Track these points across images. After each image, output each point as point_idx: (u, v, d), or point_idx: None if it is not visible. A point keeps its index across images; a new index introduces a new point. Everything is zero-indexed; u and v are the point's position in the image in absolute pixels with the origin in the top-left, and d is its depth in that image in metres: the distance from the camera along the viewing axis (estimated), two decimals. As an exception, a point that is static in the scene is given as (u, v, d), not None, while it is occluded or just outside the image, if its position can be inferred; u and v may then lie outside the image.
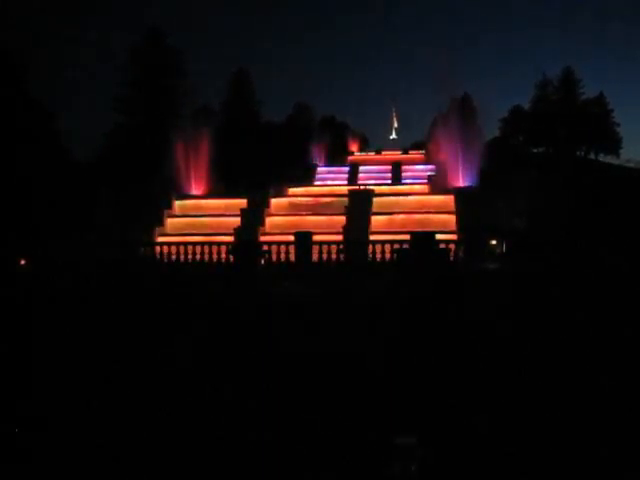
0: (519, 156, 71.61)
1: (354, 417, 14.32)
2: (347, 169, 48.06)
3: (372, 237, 26.88)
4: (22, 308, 21.57)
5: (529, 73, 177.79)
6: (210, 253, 25.32)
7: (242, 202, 32.80)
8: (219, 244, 25.52)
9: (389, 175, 44.17)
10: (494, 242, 24.54)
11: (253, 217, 31.25)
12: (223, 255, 25.12)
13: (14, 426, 14.75)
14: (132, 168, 52.84)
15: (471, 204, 28.82)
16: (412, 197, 32.59)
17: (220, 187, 37.33)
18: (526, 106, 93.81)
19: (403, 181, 42.06)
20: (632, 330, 17.21)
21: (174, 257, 25.71)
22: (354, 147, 70.72)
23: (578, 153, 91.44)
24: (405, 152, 58.93)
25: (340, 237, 27.21)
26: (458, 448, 12.63)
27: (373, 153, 61.75)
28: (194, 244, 25.77)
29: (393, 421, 14.00)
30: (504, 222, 27.10)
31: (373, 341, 17.77)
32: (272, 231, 30.58)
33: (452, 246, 23.51)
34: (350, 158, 58.17)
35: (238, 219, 31.18)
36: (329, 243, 24.57)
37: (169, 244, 26.63)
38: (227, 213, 32.49)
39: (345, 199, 31.65)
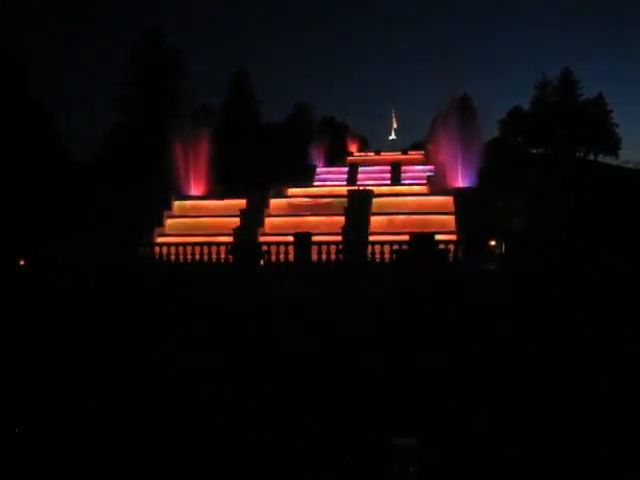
0: (518, 156, 71.68)
1: (354, 417, 14.34)
2: (346, 170, 48.00)
3: (371, 238, 26.85)
4: (22, 308, 21.57)
5: (529, 73, 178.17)
6: (210, 253, 25.30)
7: (241, 202, 32.79)
8: (218, 244, 25.50)
9: (388, 176, 44.13)
10: (493, 242, 24.53)
11: (252, 217, 31.24)
12: (222, 255, 25.12)
13: (14, 426, 14.76)
14: (132, 168, 52.85)
15: (470, 205, 28.81)
16: (411, 197, 32.54)
17: (220, 187, 37.30)
18: (525, 107, 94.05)
19: (402, 182, 41.99)
20: (632, 330, 17.22)
21: (174, 257, 25.70)
22: (353, 148, 70.73)
23: (577, 154, 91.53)
24: (404, 152, 58.91)
25: (339, 238, 27.19)
26: (458, 448, 12.64)
27: (372, 154, 61.68)
28: (194, 244, 25.76)
29: (393, 421, 14.01)
30: (503, 223, 27.10)
31: (373, 341, 17.78)
32: (271, 231, 30.56)
33: (451, 247, 23.49)
34: (349, 159, 58.15)
35: (237, 219, 31.18)
36: (328, 243, 24.54)
37: (169, 244, 26.62)
38: (226, 213, 32.46)
39: (344, 200, 31.64)
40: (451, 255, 23.13)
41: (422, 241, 22.68)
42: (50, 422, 14.74)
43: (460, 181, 33.34)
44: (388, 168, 45.32)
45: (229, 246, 25.42)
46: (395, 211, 30.48)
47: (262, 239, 28.67)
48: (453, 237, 26.00)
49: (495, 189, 30.95)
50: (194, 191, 36.88)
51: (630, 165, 74.58)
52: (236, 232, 29.57)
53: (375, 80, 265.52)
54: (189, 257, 25.54)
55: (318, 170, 49.76)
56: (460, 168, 33.69)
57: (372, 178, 43.51)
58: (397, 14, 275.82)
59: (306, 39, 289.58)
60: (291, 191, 36.90)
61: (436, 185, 34.65)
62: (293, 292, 21.22)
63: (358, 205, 30.66)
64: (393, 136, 74.66)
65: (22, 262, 25.24)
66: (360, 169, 46.66)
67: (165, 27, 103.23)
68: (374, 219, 30.12)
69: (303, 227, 27.52)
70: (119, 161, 57.57)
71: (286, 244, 24.86)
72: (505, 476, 11.96)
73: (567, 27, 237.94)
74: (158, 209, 33.25)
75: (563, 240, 24.11)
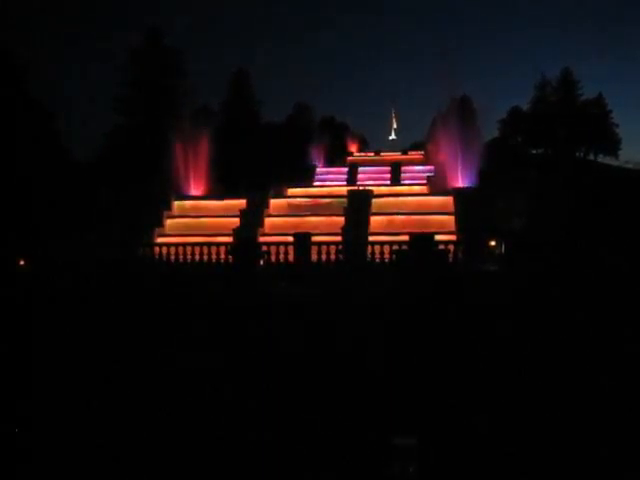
0: (518, 156, 71.73)
1: (354, 417, 14.34)
2: (346, 170, 47.97)
3: (371, 238, 26.84)
4: (22, 308, 21.57)
5: (529, 73, 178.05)
6: (209, 254, 25.31)
7: (241, 203, 32.79)
8: (218, 245, 25.52)
9: (388, 176, 44.11)
10: (493, 243, 24.53)
11: (252, 218, 31.23)
12: (222, 256, 25.12)
13: (14, 426, 14.76)
14: (132, 168, 52.86)
15: (470, 205, 28.80)
16: (411, 198, 32.53)
17: (219, 188, 37.28)
18: (525, 107, 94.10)
19: (402, 182, 41.96)
20: (632, 330, 17.23)
21: (174, 257, 25.70)
22: (353, 148, 70.78)
23: (577, 154, 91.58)
24: (404, 153, 58.94)
25: (339, 238, 27.19)
26: (458, 448, 12.65)
27: (372, 154, 61.69)
28: (193, 245, 25.77)
29: (393, 421, 14.02)
30: (503, 223, 27.10)
31: (373, 341, 17.78)
32: (271, 232, 30.55)
33: (451, 247, 23.50)
34: (349, 159, 58.16)
35: (237, 220, 31.17)
36: (328, 244, 24.54)
37: (169, 245, 26.62)
38: (226, 214, 32.46)
39: (344, 200, 31.63)
40: (451, 255, 23.14)
41: (422, 241, 22.67)
42: (50, 422, 14.74)
43: (460, 181, 33.34)
44: (388, 168, 45.30)
45: (229, 246, 25.43)
46: (395, 211, 30.47)
47: (262, 239, 28.65)
48: (453, 237, 26.01)
49: (495, 189, 30.95)
50: (194, 191, 36.86)
51: (630, 165, 74.68)
52: (236, 232, 29.56)
53: (375, 80, 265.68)
54: (189, 257, 25.54)
55: (318, 170, 49.75)
56: (460, 168, 33.68)
57: (372, 178, 43.50)
58: (397, 14, 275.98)
59: (306, 39, 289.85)
60: (291, 191, 36.88)
61: (436, 185, 34.64)
62: (293, 292, 21.22)
63: (358, 205, 30.65)
64: (393, 136, 74.80)
65: (22, 262, 25.25)
66: (360, 169, 46.63)
67: (165, 27, 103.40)
68: (374, 219, 30.11)
69: (303, 227, 27.52)
70: (119, 161, 57.58)
71: (286, 244, 24.86)
72: (505, 476, 11.97)
73: (567, 27, 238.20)
74: (158, 209, 33.23)
75: (563, 240, 24.12)
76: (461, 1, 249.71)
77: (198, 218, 32.90)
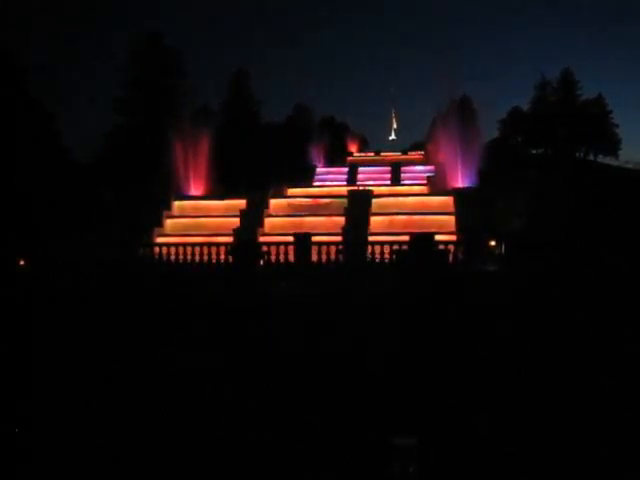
0: (518, 157, 71.70)
1: (354, 417, 14.33)
2: (346, 170, 48.02)
3: (371, 238, 26.84)
4: (22, 308, 21.57)
5: (529, 73, 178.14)
6: (209, 254, 25.31)
7: (241, 203, 32.79)
8: (218, 245, 25.52)
9: (388, 176, 44.13)
10: (493, 243, 24.54)
11: (252, 218, 31.23)
12: (222, 256, 25.12)
13: (14, 426, 14.75)
14: (132, 168, 52.86)
15: (470, 205, 28.81)
16: (411, 198, 32.54)
17: (219, 188, 37.28)
18: (525, 107, 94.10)
19: (402, 182, 42.00)
20: (632, 330, 17.23)
21: (174, 257, 25.70)
22: (353, 148, 70.84)
23: (577, 154, 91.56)
24: (404, 153, 58.99)
25: (339, 238, 27.20)
26: (458, 448, 12.64)
27: (372, 154, 61.77)
28: (193, 245, 25.77)
29: (393, 421, 14.01)
30: (503, 223, 27.10)
31: (373, 341, 17.78)
32: (271, 232, 30.55)
33: (451, 247, 23.51)
34: (349, 159, 58.22)
35: (237, 220, 31.17)
36: (328, 244, 24.55)
37: (169, 245, 26.62)
38: (226, 214, 32.47)
39: (344, 200, 31.65)
40: (451, 255, 23.15)
41: (422, 241, 22.69)
42: (50, 422, 14.73)
43: (460, 181, 33.36)
44: (388, 168, 45.33)
45: (229, 246, 25.44)
46: (395, 211, 30.48)
47: (262, 239, 28.67)
48: (453, 237, 26.02)
49: (495, 189, 30.95)
50: (194, 191, 36.87)
51: (630, 166, 74.59)
52: (236, 232, 29.57)
53: (375, 80, 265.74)
54: (189, 257, 25.54)
55: (318, 170, 49.78)
56: (460, 168, 33.71)
57: (372, 178, 43.52)
58: (397, 14, 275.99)
59: (306, 39, 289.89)
60: (291, 191, 36.90)
61: (436, 185, 34.65)
62: (293, 292, 21.22)
63: (358, 205, 30.67)
64: (393, 136, 74.95)
65: (22, 262, 25.25)
66: (360, 169, 46.67)
67: (165, 27, 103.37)
68: (374, 219, 30.12)
69: (303, 227, 27.54)
70: (119, 161, 57.56)
71: (286, 244, 24.87)
72: (505, 476, 11.96)
73: (567, 27, 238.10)
74: (158, 209, 33.24)
75: (563, 240, 24.12)
76: (461, 1, 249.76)
77: (198, 218, 32.91)
